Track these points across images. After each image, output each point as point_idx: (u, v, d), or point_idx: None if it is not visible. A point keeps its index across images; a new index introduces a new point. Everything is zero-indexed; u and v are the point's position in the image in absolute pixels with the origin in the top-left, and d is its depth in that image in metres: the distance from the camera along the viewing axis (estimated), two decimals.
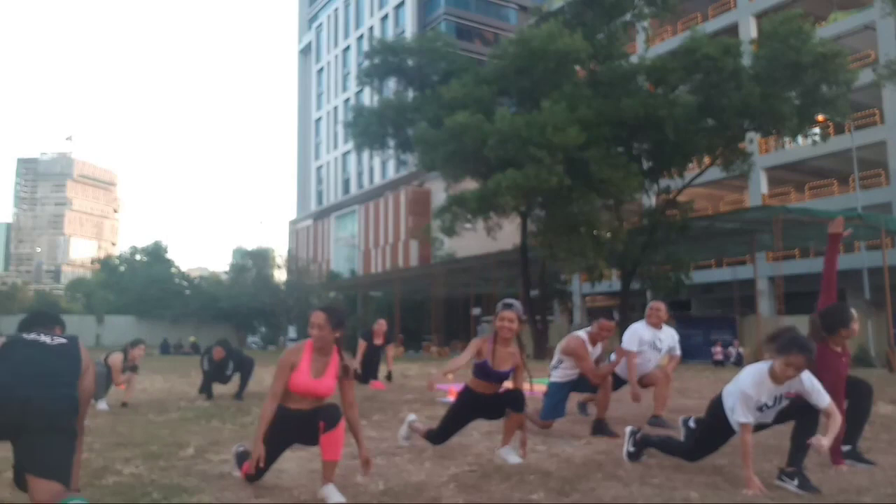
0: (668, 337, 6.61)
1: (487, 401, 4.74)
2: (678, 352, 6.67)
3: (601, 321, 6.08)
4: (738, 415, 3.90)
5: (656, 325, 6.53)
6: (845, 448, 4.59)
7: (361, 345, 11.44)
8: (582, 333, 6.16)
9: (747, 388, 3.89)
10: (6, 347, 3.06)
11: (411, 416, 5.44)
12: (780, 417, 4.08)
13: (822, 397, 3.90)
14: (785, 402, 3.97)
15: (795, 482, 3.85)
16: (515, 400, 4.71)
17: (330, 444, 3.65)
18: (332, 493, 3.62)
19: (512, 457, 4.64)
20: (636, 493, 3.73)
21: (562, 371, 6.16)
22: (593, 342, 6.09)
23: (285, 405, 3.75)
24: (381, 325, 11.88)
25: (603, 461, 4.58)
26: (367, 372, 11.38)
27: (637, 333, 6.48)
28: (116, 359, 8.19)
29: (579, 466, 4.44)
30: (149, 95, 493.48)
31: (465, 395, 4.85)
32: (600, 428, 5.82)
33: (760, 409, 3.93)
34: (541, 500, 3.61)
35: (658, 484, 3.94)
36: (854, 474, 4.22)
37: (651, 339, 6.48)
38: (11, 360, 2.98)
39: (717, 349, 22.48)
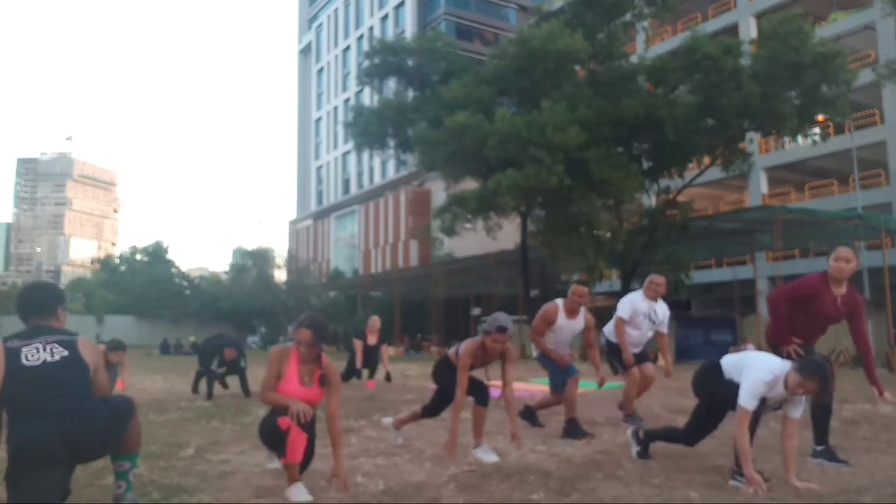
0: (663, 311, 6.61)
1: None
2: (666, 329, 6.63)
3: (573, 286, 6.17)
4: (745, 398, 3.86)
5: (653, 298, 6.53)
6: (818, 448, 4.58)
7: (358, 344, 11.07)
8: (559, 301, 6.20)
9: (763, 383, 3.84)
10: (10, 380, 2.96)
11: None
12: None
13: (798, 410, 3.95)
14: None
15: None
16: (479, 393, 4.75)
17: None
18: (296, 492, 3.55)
19: (488, 455, 4.63)
20: (636, 493, 3.73)
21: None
22: (570, 313, 6.11)
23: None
24: (374, 322, 11.37)
25: (603, 461, 4.58)
26: (369, 368, 11.16)
27: (633, 303, 6.50)
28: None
29: (579, 466, 4.44)
30: (149, 95, 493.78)
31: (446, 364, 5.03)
32: (572, 430, 5.74)
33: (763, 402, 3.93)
34: (541, 500, 3.61)
35: (658, 484, 3.93)
36: (854, 474, 4.22)
37: (647, 311, 6.49)
38: (27, 400, 2.93)
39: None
